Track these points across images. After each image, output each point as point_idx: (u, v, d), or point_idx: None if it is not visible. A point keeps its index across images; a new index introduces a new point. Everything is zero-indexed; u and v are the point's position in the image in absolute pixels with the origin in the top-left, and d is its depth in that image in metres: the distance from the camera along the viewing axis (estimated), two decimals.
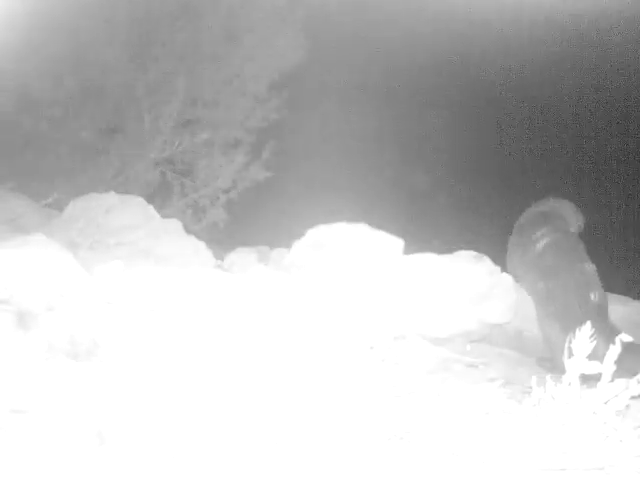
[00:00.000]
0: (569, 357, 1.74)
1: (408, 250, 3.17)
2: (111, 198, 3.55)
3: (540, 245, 3.01)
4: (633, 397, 1.72)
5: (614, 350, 1.71)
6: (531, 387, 1.79)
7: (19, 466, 1.39)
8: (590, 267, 2.93)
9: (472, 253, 3.16)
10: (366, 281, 2.96)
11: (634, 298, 3.60)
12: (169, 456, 1.49)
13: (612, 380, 1.70)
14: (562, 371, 1.76)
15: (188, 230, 3.58)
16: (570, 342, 1.74)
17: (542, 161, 8.51)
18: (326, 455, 1.56)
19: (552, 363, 2.73)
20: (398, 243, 3.16)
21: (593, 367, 1.70)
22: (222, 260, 3.46)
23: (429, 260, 3.07)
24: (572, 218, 3.20)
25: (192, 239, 3.41)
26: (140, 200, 3.61)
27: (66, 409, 1.63)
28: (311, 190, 6.87)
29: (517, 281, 3.18)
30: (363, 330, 2.54)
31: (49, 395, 1.69)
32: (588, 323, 1.75)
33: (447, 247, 3.22)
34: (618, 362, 1.71)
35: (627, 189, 8.53)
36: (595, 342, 1.71)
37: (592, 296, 2.80)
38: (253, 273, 2.88)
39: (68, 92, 4.92)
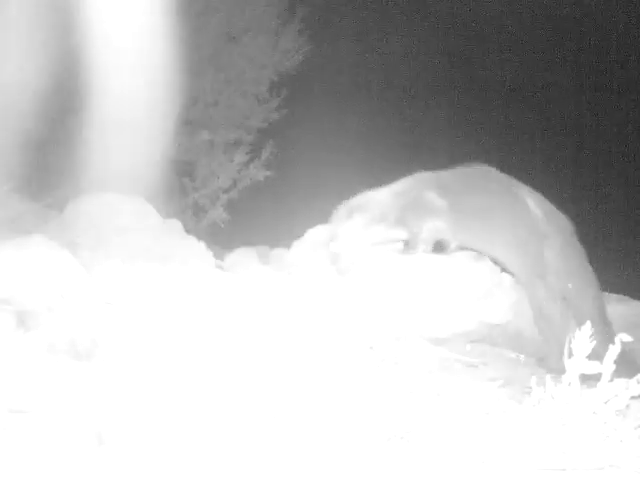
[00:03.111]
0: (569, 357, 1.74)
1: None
2: (111, 198, 3.54)
3: (558, 243, 2.76)
4: (633, 397, 1.72)
5: (614, 350, 1.71)
6: (531, 387, 1.79)
7: (19, 466, 1.39)
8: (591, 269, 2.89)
9: (472, 253, 3.15)
10: (366, 281, 2.97)
11: (634, 298, 3.60)
12: (168, 456, 1.49)
13: (612, 380, 1.70)
14: (562, 371, 1.76)
15: (188, 230, 3.57)
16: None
17: (541, 159, 8.49)
18: (326, 455, 1.56)
19: (549, 362, 2.72)
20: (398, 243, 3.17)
21: (593, 367, 1.70)
22: (222, 260, 3.46)
23: (429, 260, 3.07)
24: None
25: (192, 239, 3.41)
26: (140, 200, 3.60)
27: (66, 409, 1.63)
28: (311, 190, 6.87)
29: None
30: (363, 330, 2.55)
31: (49, 395, 1.69)
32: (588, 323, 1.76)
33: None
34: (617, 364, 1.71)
35: (627, 186, 8.53)
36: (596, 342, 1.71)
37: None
38: (253, 273, 2.89)
39: (68, 92, 4.92)
